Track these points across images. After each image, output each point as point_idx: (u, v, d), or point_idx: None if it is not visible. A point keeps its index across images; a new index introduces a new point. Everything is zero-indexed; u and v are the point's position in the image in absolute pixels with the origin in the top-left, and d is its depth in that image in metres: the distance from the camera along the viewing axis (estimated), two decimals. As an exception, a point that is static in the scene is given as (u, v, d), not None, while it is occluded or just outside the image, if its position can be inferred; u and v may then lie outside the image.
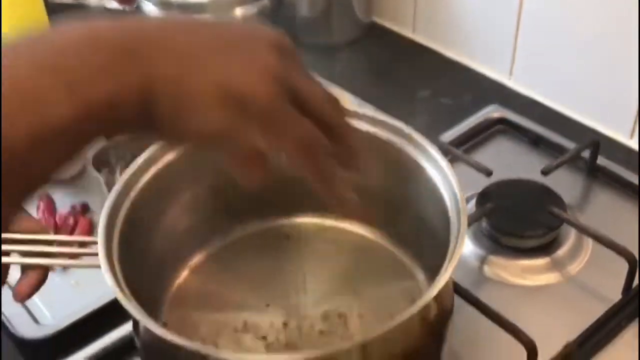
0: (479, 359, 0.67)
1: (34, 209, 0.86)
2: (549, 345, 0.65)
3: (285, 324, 0.63)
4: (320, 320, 0.63)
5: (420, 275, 0.67)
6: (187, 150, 0.63)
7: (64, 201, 0.88)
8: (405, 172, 0.63)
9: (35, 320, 0.72)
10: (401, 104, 0.98)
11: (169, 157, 0.63)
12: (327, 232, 0.71)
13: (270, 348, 0.61)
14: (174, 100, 0.42)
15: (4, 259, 0.54)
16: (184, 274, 0.68)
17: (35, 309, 0.73)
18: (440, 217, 0.58)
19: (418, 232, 0.65)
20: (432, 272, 0.63)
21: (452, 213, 0.57)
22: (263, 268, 0.68)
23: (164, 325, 0.62)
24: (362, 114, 0.65)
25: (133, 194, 0.61)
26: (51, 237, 0.58)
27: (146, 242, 0.62)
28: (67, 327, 0.70)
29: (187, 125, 0.43)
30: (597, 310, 0.69)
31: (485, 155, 0.90)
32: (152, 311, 0.62)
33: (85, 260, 0.58)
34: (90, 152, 0.88)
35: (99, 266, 0.54)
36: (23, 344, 0.70)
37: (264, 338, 0.62)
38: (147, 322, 0.49)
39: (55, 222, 0.84)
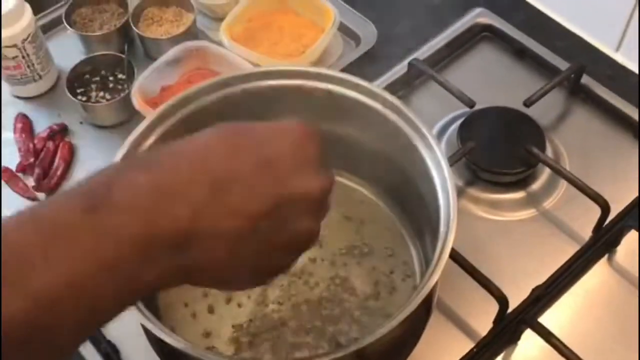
0: (454, 304, 0.70)
1: (11, 130, 0.85)
2: (520, 286, 0.69)
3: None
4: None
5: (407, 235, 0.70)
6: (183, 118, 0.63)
7: (39, 121, 0.87)
8: (399, 145, 0.64)
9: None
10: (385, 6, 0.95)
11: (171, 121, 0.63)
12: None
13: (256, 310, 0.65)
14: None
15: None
16: None
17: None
18: (431, 195, 0.60)
19: (409, 198, 0.66)
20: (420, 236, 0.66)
21: (442, 200, 0.58)
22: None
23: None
24: (357, 84, 0.64)
25: None
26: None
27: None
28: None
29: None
30: (567, 249, 0.73)
31: (468, 70, 0.89)
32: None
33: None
34: (66, 71, 0.86)
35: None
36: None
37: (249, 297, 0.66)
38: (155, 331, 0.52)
39: (34, 146, 0.83)
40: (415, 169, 0.63)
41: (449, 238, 0.55)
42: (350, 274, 0.67)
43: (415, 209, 0.67)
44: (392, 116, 0.64)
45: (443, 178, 0.59)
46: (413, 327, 0.59)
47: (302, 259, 0.67)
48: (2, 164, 0.82)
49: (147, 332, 0.58)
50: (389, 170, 0.68)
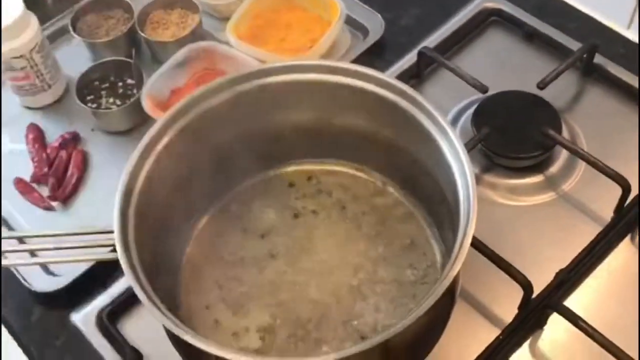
0: (478, 293, 0.70)
1: (23, 141, 0.85)
2: (544, 271, 0.68)
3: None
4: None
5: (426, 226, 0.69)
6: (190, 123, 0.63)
7: (50, 130, 0.87)
8: (415, 135, 0.63)
9: (49, 272, 0.74)
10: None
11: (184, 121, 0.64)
12: (334, 176, 0.73)
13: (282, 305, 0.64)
14: None
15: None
16: (194, 238, 0.70)
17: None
18: (449, 183, 0.59)
19: (425, 183, 0.66)
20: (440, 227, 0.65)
21: (461, 187, 0.57)
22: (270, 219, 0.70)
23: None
24: (369, 75, 0.64)
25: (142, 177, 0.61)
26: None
27: (160, 211, 0.63)
28: (81, 276, 0.73)
29: None
30: (588, 231, 0.72)
31: (478, 56, 0.88)
32: (170, 280, 0.65)
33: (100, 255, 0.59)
34: (74, 79, 0.86)
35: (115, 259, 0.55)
36: (38, 297, 0.73)
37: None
38: (166, 323, 0.52)
39: (47, 155, 0.83)
40: (432, 158, 0.63)
41: (470, 225, 0.54)
42: (373, 269, 0.66)
43: (433, 198, 0.66)
44: (406, 105, 0.63)
45: (461, 165, 0.58)
46: (438, 317, 0.59)
47: (325, 251, 0.67)
48: (17, 176, 0.82)
49: (172, 337, 0.58)
50: (405, 161, 0.68)
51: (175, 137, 0.63)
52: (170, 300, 0.60)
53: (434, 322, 0.58)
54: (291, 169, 0.73)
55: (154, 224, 0.62)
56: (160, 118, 0.62)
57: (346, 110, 0.68)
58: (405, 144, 0.66)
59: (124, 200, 0.59)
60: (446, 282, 0.51)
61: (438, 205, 0.65)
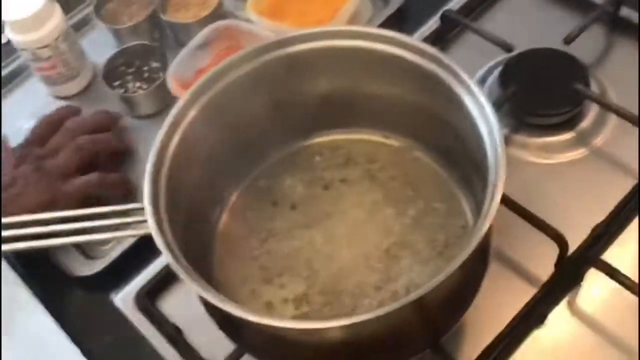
0: (512, 252, 0.69)
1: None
2: (579, 227, 0.67)
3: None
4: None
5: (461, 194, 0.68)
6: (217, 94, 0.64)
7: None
8: (442, 98, 0.62)
9: (86, 255, 0.76)
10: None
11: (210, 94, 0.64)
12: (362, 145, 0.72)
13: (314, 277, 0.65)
14: None
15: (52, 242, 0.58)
16: (225, 214, 0.70)
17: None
18: (478, 149, 0.58)
19: (455, 146, 0.65)
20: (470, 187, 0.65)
21: (489, 145, 0.57)
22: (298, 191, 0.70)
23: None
24: (392, 38, 0.63)
25: (170, 150, 0.61)
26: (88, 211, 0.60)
27: (190, 189, 0.64)
28: (119, 257, 0.74)
29: None
30: (623, 184, 0.71)
31: (502, 15, 0.87)
32: (203, 256, 0.66)
33: (132, 230, 0.60)
34: (100, 66, 0.87)
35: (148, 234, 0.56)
36: (78, 281, 0.74)
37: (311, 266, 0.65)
38: (206, 295, 0.52)
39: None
40: (459, 119, 0.62)
41: (499, 179, 0.53)
42: (405, 232, 0.66)
43: (463, 160, 0.66)
44: (432, 67, 0.62)
45: (487, 122, 0.57)
46: (471, 275, 0.58)
47: (356, 219, 0.67)
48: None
49: (210, 309, 0.59)
50: (433, 125, 0.67)
51: (200, 113, 0.63)
52: (205, 275, 0.60)
53: (468, 280, 0.58)
54: (318, 139, 0.73)
55: (184, 201, 0.62)
56: (184, 95, 0.63)
57: (372, 76, 0.67)
58: (432, 107, 0.65)
59: (154, 180, 0.59)
60: (477, 239, 0.51)
61: (468, 167, 0.65)
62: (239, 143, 0.68)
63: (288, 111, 0.69)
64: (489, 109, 0.58)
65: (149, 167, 0.60)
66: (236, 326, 0.59)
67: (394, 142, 0.72)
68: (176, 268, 0.54)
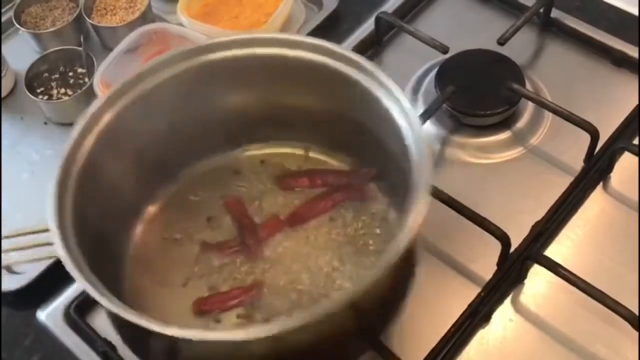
0: (455, 252, 0.68)
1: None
2: (520, 226, 0.67)
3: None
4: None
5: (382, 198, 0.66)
6: (134, 101, 0.59)
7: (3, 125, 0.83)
8: (365, 104, 0.60)
9: (11, 271, 0.71)
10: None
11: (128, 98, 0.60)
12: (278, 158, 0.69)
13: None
14: None
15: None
16: (140, 227, 0.66)
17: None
18: (404, 154, 0.56)
19: (377, 154, 0.62)
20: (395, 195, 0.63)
21: (415, 156, 0.54)
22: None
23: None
24: (316, 45, 0.61)
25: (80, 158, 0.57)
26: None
27: (104, 196, 0.60)
28: (44, 272, 0.70)
29: None
30: (561, 182, 0.71)
31: (437, 18, 0.87)
32: (116, 271, 0.62)
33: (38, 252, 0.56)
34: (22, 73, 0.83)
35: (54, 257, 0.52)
36: (2, 297, 0.69)
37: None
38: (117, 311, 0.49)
39: None
40: (384, 128, 0.58)
41: (423, 183, 0.51)
42: (336, 248, 0.63)
43: (390, 170, 0.61)
44: (357, 75, 0.59)
45: (411, 127, 0.55)
46: (399, 275, 0.56)
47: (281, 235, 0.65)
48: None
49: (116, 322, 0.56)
50: (354, 133, 0.64)
51: (117, 117, 0.59)
52: (118, 286, 0.57)
53: (398, 280, 0.56)
54: (239, 153, 0.69)
55: (98, 208, 0.58)
56: (100, 97, 0.59)
57: (294, 84, 0.64)
58: (356, 116, 0.62)
59: (61, 187, 0.55)
60: (399, 242, 0.49)
61: (395, 176, 0.62)
62: (157, 151, 0.64)
63: (210, 122, 0.65)
64: (408, 109, 0.55)
65: (57, 173, 0.55)
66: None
67: (316, 155, 0.69)
68: (82, 283, 0.50)
